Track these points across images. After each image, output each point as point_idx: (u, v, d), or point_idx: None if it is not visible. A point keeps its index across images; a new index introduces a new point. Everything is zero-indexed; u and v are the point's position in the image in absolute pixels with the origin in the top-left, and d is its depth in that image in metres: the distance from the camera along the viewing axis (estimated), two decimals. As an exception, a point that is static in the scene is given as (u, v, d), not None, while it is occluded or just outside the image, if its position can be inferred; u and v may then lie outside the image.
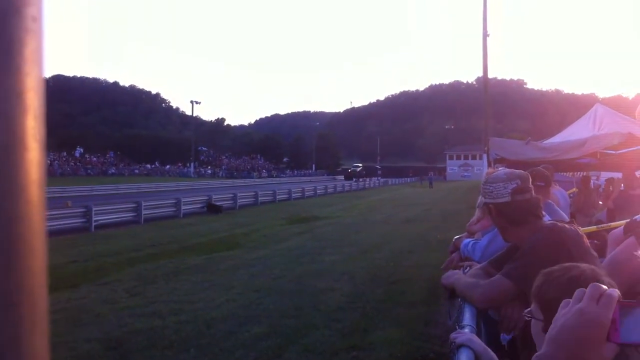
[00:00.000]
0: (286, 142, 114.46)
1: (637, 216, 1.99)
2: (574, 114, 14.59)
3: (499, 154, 6.82)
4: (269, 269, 8.76)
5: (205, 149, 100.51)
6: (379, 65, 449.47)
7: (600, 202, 8.52)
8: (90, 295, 7.09)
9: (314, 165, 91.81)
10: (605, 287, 0.86)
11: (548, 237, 1.80)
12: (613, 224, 4.09)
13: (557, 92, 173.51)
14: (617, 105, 12.09)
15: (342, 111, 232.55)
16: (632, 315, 0.81)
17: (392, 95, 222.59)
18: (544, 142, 8.02)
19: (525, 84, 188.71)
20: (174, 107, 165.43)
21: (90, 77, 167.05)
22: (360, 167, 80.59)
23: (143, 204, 17.02)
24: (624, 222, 2.14)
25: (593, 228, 4.33)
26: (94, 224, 14.43)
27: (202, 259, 9.93)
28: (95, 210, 14.66)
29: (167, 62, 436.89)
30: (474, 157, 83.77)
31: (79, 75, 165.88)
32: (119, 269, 8.90)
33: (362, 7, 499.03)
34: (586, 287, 0.89)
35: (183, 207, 18.96)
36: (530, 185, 1.98)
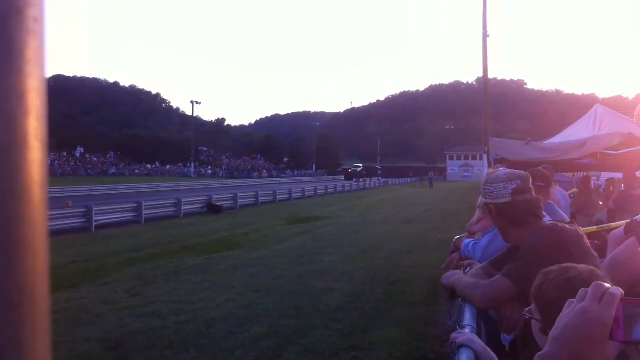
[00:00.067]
0: (286, 143, 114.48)
1: (637, 216, 2.00)
2: (574, 115, 14.60)
3: (499, 154, 6.82)
4: (269, 269, 8.76)
5: (205, 149, 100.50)
6: (379, 66, 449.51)
7: (601, 203, 8.52)
8: (90, 296, 7.09)
9: (314, 166, 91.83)
10: (608, 285, 0.86)
11: (548, 238, 1.80)
12: (613, 224, 4.09)
13: (557, 93, 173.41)
14: (617, 105, 12.09)
15: (342, 111, 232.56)
16: (635, 314, 0.81)
17: (392, 95, 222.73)
18: (544, 142, 8.02)
19: (525, 84, 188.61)
20: (174, 108, 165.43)
21: (91, 77, 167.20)
22: (360, 167, 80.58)
23: (143, 204, 17.03)
24: (624, 222, 2.15)
25: (593, 228, 4.33)
26: (94, 224, 14.44)
27: (202, 259, 9.93)
28: (95, 210, 14.67)
29: (167, 63, 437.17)
30: (474, 158, 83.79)
31: (79, 76, 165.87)
32: (119, 269, 8.91)
33: (362, 9, 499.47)
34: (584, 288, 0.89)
35: (183, 207, 18.98)
36: (531, 186, 1.98)
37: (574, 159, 6.53)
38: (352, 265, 9.04)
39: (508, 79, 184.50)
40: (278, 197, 27.92)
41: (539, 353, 0.92)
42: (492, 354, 1.49)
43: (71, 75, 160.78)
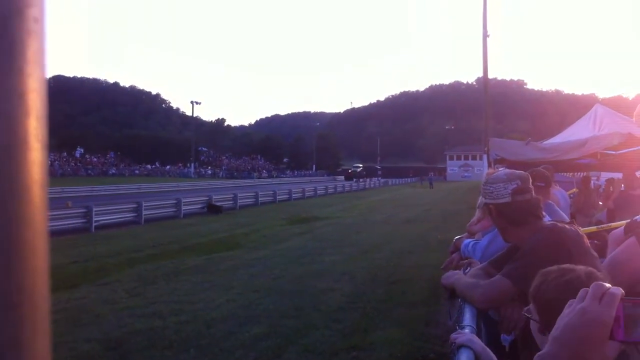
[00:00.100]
0: (286, 143, 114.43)
1: (637, 216, 2.00)
2: (574, 115, 14.60)
3: (499, 154, 6.82)
4: (269, 269, 8.76)
5: (205, 149, 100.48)
6: (379, 66, 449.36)
7: (601, 203, 8.52)
8: (90, 296, 7.09)
9: (314, 166, 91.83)
10: (608, 285, 0.86)
11: (548, 238, 1.80)
12: (613, 224, 4.09)
13: (557, 93, 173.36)
14: (617, 105, 12.08)
15: (342, 111, 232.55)
16: (635, 313, 0.81)
17: (392, 95, 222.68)
18: (544, 142, 8.02)
19: (525, 84, 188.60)
20: (174, 108, 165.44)
21: (91, 77, 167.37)
22: (360, 167, 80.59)
23: (143, 205, 17.03)
24: (624, 222, 2.15)
25: (593, 228, 4.33)
26: (94, 224, 14.43)
27: (202, 259, 9.93)
28: (95, 211, 14.66)
29: (167, 63, 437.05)
30: (474, 158, 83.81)
31: (79, 76, 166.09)
32: (119, 269, 8.91)
33: (362, 9, 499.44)
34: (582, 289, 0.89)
35: (183, 208, 18.97)
36: (531, 186, 1.98)
37: (573, 159, 6.53)
38: (352, 265, 9.04)
39: (508, 79, 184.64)
40: (278, 197, 27.91)
41: (539, 353, 0.92)
42: (492, 354, 1.49)
43: (71, 75, 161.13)
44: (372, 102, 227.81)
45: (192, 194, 24.59)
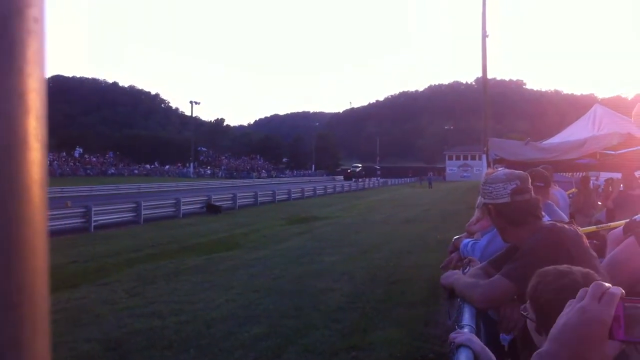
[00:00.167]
0: (285, 143, 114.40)
1: (636, 216, 2.00)
2: (573, 115, 14.59)
3: (498, 154, 6.82)
4: (269, 269, 8.76)
5: (204, 149, 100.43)
6: (378, 66, 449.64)
7: (600, 203, 8.53)
8: (90, 296, 7.09)
9: (313, 166, 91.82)
10: (607, 285, 0.86)
11: (547, 238, 1.80)
12: (612, 224, 4.09)
13: (557, 93, 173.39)
14: (616, 105, 12.08)
15: (341, 111, 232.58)
16: (635, 313, 0.81)
17: (391, 95, 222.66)
18: (544, 142, 8.02)
19: (525, 84, 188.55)
20: (174, 108, 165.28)
21: (90, 77, 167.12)
22: (359, 167, 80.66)
23: (143, 204, 17.02)
24: (623, 222, 2.15)
25: (592, 228, 4.34)
26: (93, 224, 14.42)
27: (201, 259, 9.93)
28: (94, 211, 14.65)
29: (166, 63, 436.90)
30: (473, 158, 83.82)
31: (78, 76, 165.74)
32: (119, 269, 8.90)
33: (362, 9, 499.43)
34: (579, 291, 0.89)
35: (182, 207, 18.96)
36: (530, 186, 1.98)
37: (573, 159, 6.54)
38: (352, 265, 9.04)
39: (507, 79, 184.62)
40: (277, 197, 27.90)
41: (538, 351, 0.92)
42: (491, 354, 1.49)
43: (70, 75, 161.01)
44: (371, 102, 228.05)
45: (191, 194, 24.58)
